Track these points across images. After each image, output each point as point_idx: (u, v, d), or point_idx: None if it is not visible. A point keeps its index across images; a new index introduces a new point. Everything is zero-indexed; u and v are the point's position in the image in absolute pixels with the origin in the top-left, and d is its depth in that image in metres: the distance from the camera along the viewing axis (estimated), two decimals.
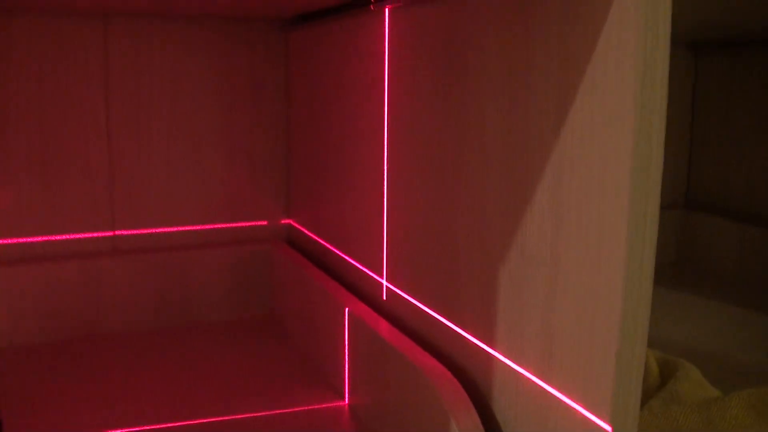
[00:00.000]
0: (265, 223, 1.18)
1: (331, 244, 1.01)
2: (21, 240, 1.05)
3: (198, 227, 1.14)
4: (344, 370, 0.85)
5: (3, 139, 1.02)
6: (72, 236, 1.08)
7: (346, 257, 0.95)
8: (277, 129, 1.16)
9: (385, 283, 0.82)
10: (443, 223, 0.68)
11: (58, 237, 1.07)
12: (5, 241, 1.05)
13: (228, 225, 1.16)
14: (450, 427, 0.59)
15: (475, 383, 0.64)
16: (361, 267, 0.90)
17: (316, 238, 1.06)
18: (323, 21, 0.97)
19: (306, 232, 1.11)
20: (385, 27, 0.78)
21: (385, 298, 0.83)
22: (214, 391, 0.89)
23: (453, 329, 0.68)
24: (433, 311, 0.72)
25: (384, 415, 0.74)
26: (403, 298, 0.78)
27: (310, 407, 0.86)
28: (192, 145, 1.12)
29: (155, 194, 1.11)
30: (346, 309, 0.83)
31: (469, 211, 0.64)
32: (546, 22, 0.51)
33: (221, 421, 0.82)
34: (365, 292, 0.89)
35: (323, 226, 1.04)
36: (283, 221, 1.19)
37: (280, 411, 0.85)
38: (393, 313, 0.81)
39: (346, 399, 0.86)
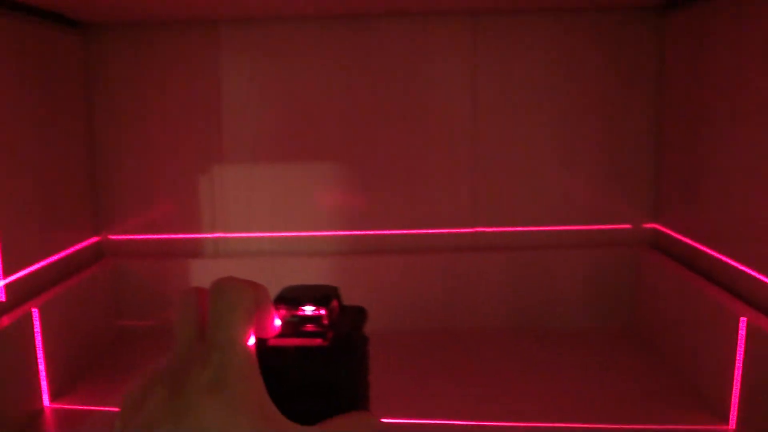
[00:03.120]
0: (628, 226, 1.10)
1: (714, 250, 0.89)
2: (383, 232, 1.12)
3: (557, 228, 1.11)
4: (732, 390, 0.74)
5: (374, 144, 1.10)
6: (435, 231, 1.12)
7: (738, 264, 0.83)
8: (646, 124, 1.08)
9: None
10: None
11: (418, 231, 1.12)
12: (367, 233, 1.12)
13: (589, 227, 1.11)
14: None
15: None
16: (758, 275, 0.77)
17: (694, 243, 0.95)
18: None
19: (678, 236, 1.01)
20: None
21: None
22: (568, 398, 0.85)
23: None
24: None
25: None
26: None
27: (684, 427, 0.76)
28: (555, 143, 1.09)
29: (517, 192, 1.11)
30: (742, 319, 0.72)
31: None
32: None
33: (575, 428, 0.77)
34: (765, 306, 0.76)
35: (702, 231, 0.92)
36: (647, 225, 1.10)
37: (647, 426, 0.77)
38: None
39: (732, 424, 0.74)
